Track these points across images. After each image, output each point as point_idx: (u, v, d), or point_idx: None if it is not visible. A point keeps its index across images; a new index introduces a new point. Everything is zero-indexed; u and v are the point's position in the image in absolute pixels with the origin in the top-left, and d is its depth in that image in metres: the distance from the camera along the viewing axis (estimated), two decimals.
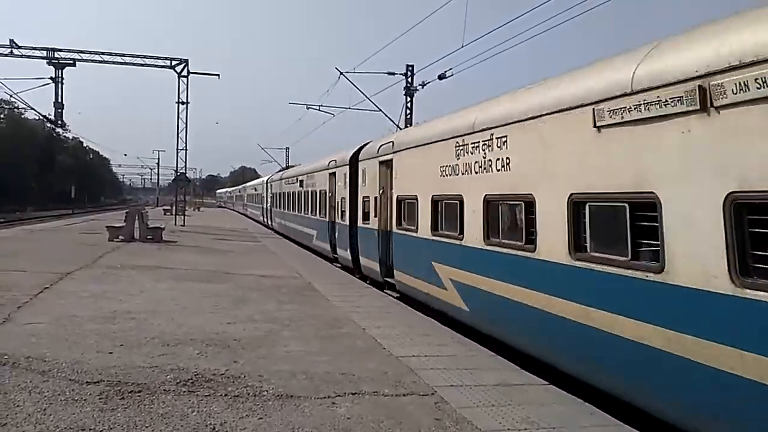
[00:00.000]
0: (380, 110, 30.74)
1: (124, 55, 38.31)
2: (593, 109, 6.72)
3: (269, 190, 43.06)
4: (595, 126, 6.69)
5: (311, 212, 25.78)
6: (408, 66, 32.08)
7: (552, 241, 7.50)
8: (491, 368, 7.80)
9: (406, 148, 13.41)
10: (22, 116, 78.34)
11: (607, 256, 6.58)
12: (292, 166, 40.20)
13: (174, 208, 46.52)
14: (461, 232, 10.24)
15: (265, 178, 50.06)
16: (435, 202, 11.59)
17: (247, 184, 73.95)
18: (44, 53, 36.84)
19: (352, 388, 6.70)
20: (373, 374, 7.24)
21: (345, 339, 9.14)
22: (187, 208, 47.51)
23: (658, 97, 5.79)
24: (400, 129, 25.69)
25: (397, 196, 13.77)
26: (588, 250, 6.96)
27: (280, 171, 43.44)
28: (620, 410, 6.31)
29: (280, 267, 18.70)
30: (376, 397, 6.44)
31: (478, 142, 9.68)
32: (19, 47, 35.99)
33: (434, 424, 5.75)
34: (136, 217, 26.69)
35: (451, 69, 26.45)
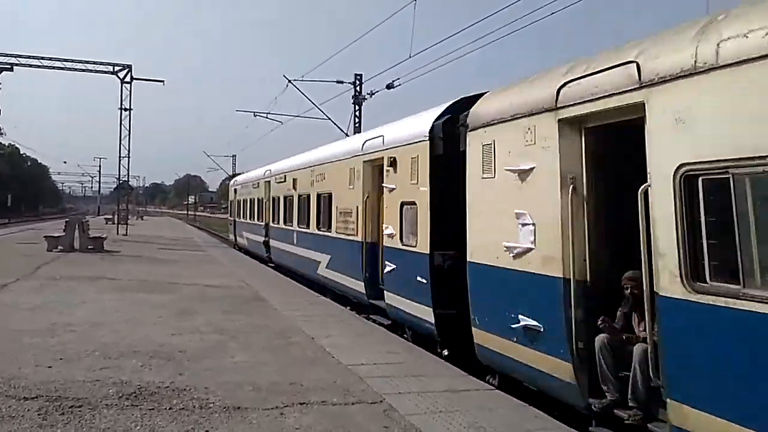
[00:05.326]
0: (328, 118, 30.76)
1: (65, 60, 36.76)
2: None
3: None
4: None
5: None
6: (356, 75, 32.24)
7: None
8: (439, 375, 7.91)
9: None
10: None
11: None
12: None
13: (116, 217, 45.24)
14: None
15: (368, 134, 14.15)
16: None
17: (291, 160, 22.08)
18: None
19: (300, 398, 6.68)
20: (321, 383, 7.24)
21: (293, 349, 9.10)
22: (129, 217, 46.15)
23: None
24: (348, 136, 25.82)
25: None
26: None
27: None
28: (561, 413, 6.51)
29: (227, 276, 18.45)
30: (325, 407, 6.45)
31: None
32: None
33: None
34: (77, 227, 25.91)
35: (399, 78, 26.80)
